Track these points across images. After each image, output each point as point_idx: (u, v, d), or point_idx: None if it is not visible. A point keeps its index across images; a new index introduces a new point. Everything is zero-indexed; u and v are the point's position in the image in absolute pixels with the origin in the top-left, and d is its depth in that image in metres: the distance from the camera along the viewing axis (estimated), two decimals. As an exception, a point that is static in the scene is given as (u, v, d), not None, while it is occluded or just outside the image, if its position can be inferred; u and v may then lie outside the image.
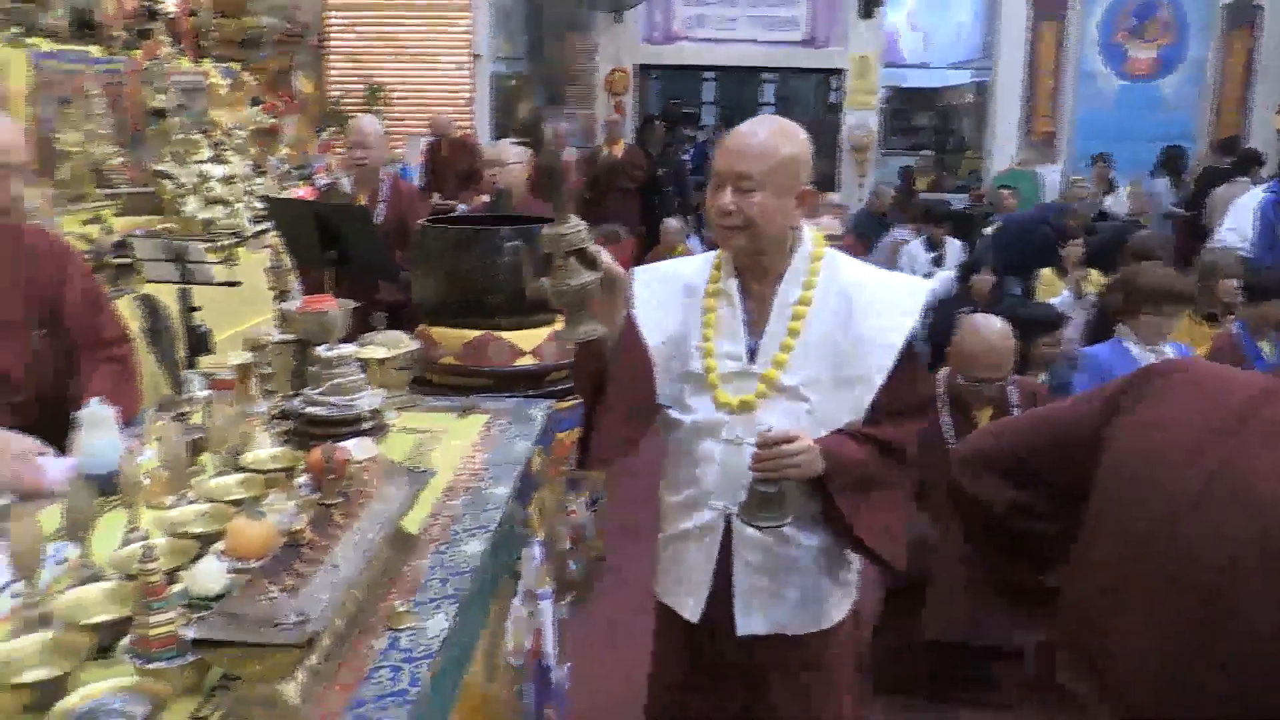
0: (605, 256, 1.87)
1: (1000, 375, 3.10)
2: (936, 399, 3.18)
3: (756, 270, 2.05)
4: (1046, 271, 6.19)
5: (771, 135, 1.96)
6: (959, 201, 9.83)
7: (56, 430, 2.34)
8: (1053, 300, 5.46)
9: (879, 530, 2.04)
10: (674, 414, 2.09)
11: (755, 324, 2.04)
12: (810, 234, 2.07)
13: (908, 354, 2.01)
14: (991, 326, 3.11)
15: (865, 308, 2.00)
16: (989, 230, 7.75)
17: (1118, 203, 9.10)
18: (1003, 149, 11.12)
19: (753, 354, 2.03)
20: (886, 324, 1.99)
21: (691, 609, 2.11)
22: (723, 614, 2.07)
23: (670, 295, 2.12)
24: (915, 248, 7.65)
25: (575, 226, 1.81)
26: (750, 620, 2.05)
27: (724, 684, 2.15)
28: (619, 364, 1.97)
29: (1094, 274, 5.71)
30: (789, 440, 1.88)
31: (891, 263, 7.63)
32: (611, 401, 1.99)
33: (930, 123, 15.32)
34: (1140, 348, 3.59)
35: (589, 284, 1.82)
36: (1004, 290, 6.02)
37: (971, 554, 1.85)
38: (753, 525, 1.93)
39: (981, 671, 3.35)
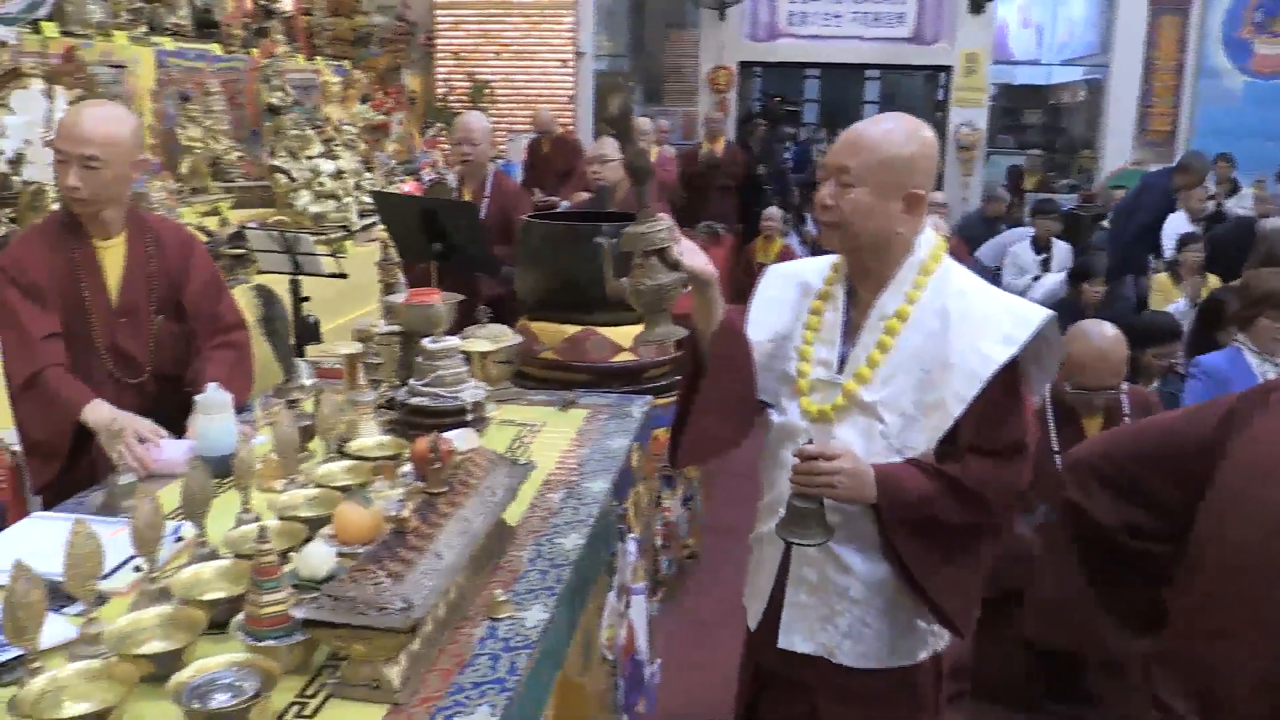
0: (692, 258, 1.83)
1: (1112, 384, 3.00)
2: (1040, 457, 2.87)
3: (863, 275, 1.93)
4: (1161, 277, 5.97)
5: (885, 131, 1.84)
6: (1068, 203, 9.53)
7: (173, 408, 2.49)
8: (1168, 308, 5.26)
9: (946, 584, 1.87)
10: (771, 414, 2.05)
11: (852, 333, 1.93)
12: (930, 242, 1.91)
13: (1004, 387, 1.81)
14: (1104, 333, 3.00)
15: (960, 328, 1.83)
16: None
17: (1240, 205, 8.72)
18: (1116, 148, 10.74)
19: (843, 363, 1.92)
20: (979, 348, 1.81)
21: (753, 614, 2.07)
22: (774, 623, 2.01)
23: (786, 293, 2.05)
24: (1022, 249, 7.39)
25: (657, 226, 1.78)
26: (792, 636, 1.98)
27: (784, 697, 2.09)
28: (718, 361, 1.93)
29: (1212, 279, 5.48)
30: (828, 456, 1.78)
31: (997, 266, 7.45)
32: (705, 399, 1.94)
33: (1039, 120, 14.90)
34: (1260, 358, 3.44)
35: (667, 285, 1.79)
36: (1117, 295, 5.81)
37: (1080, 568, 1.78)
38: (785, 540, 1.85)
39: (1078, 681, 3.24)
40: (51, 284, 2.50)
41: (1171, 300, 5.48)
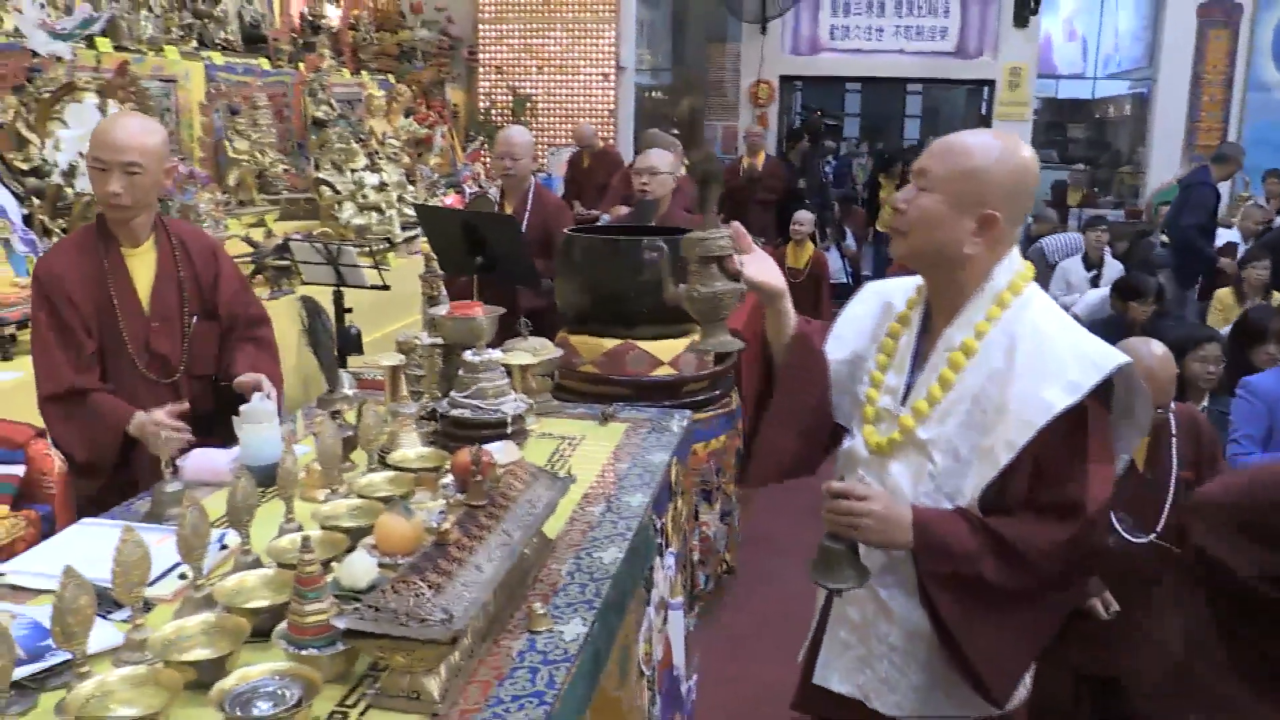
0: (760, 271, 1.79)
1: (1161, 404, 2.94)
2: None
3: (939, 300, 1.80)
4: (1224, 293, 5.88)
5: (977, 142, 1.71)
6: (1114, 218, 9.42)
7: (208, 406, 2.65)
8: (1227, 328, 5.17)
9: (985, 647, 1.70)
10: (845, 439, 1.94)
11: (921, 362, 1.81)
12: (1012, 270, 1.75)
13: (1066, 440, 1.65)
14: (1152, 351, 2.95)
15: (1025, 369, 1.66)
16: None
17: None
18: (1163, 163, 10.60)
19: (908, 393, 1.80)
20: (1040, 394, 1.64)
21: (805, 645, 2.03)
22: (816, 656, 1.96)
23: (870, 312, 1.94)
24: (1073, 265, 7.27)
25: (718, 234, 1.76)
26: (827, 672, 1.91)
27: None
28: (789, 373, 1.87)
29: (1278, 296, 5.39)
30: (857, 496, 1.68)
31: (1044, 281, 7.34)
32: (777, 413, 1.87)
33: (1084, 135, 14.75)
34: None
35: (722, 293, 1.76)
36: (1165, 314, 5.70)
37: (1207, 619, 1.67)
38: (815, 583, 1.75)
39: (1125, 706, 3.17)
40: (84, 292, 2.59)
41: (1232, 319, 5.39)
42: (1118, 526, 2.83)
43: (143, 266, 2.67)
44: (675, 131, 1.87)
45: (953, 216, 1.69)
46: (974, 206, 1.68)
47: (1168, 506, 2.81)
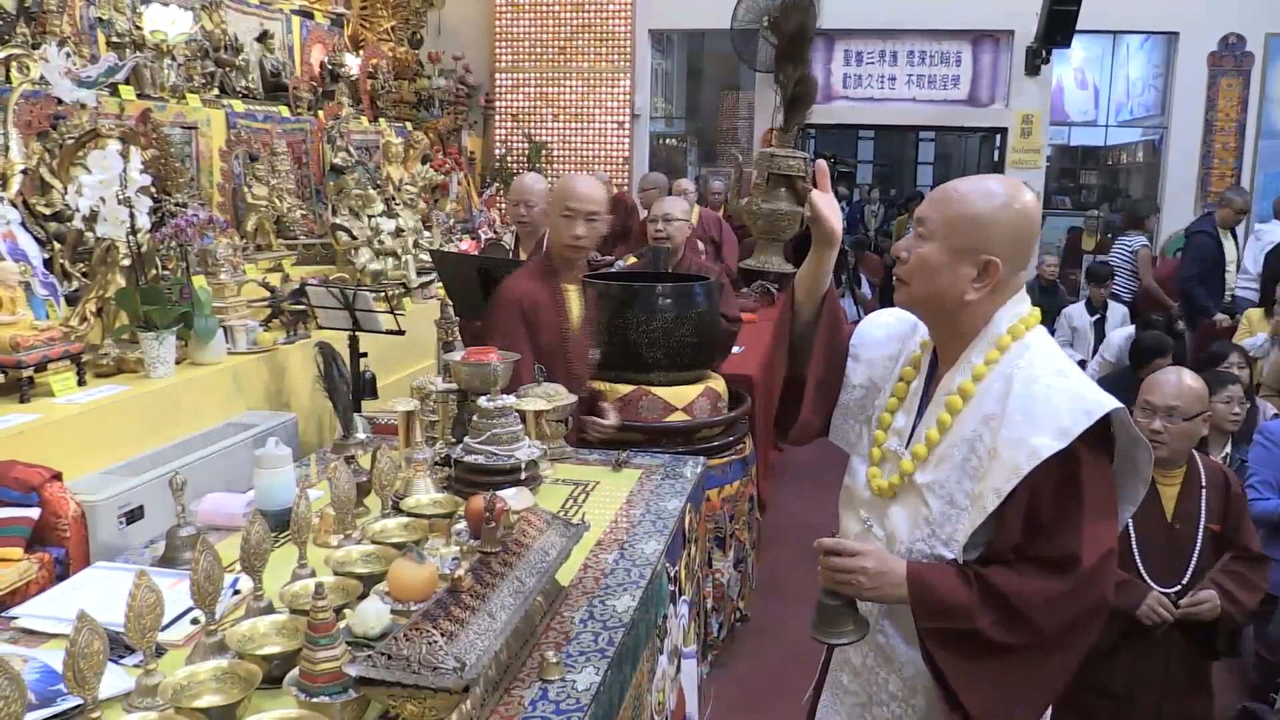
0: (826, 209, 1.77)
1: (1192, 434, 2.91)
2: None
3: (942, 346, 1.80)
4: (1254, 312, 5.89)
5: (975, 189, 1.70)
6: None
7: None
8: (1247, 341, 5.16)
9: (986, 703, 1.65)
10: (846, 476, 1.93)
11: (926, 405, 1.79)
12: (1014, 315, 1.73)
13: (1060, 488, 1.62)
14: (1182, 379, 2.92)
15: (1017, 415, 1.62)
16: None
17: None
18: (1175, 210, 10.60)
19: (912, 436, 1.79)
20: (1029, 440, 1.59)
21: (809, 691, 2.02)
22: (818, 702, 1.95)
23: (900, 328, 1.93)
24: (1076, 311, 7.39)
25: (791, 153, 1.75)
26: (828, 714, 1.91)
27: None
28: (829, 319, 1.88)
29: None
30: (848, 553, 1.67)
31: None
32: (818, 361, 1.88)
33: (1097, 182, 14.79)
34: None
35: (784, 212, 1.76)
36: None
37: None
38: (816, 639, 1.75)
39: None
40: (545, 315, 3.22)
41: (1254, 333, 5.41)
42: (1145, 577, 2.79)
43: (574, 301, 3.36)
44: (775, 43, 1.88)
45: (952, 264, 1.69)
46: (974, 253, 1.67)
47: (1195, 558, 2.79)
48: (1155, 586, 2.77)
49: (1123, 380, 4.92)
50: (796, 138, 1.76)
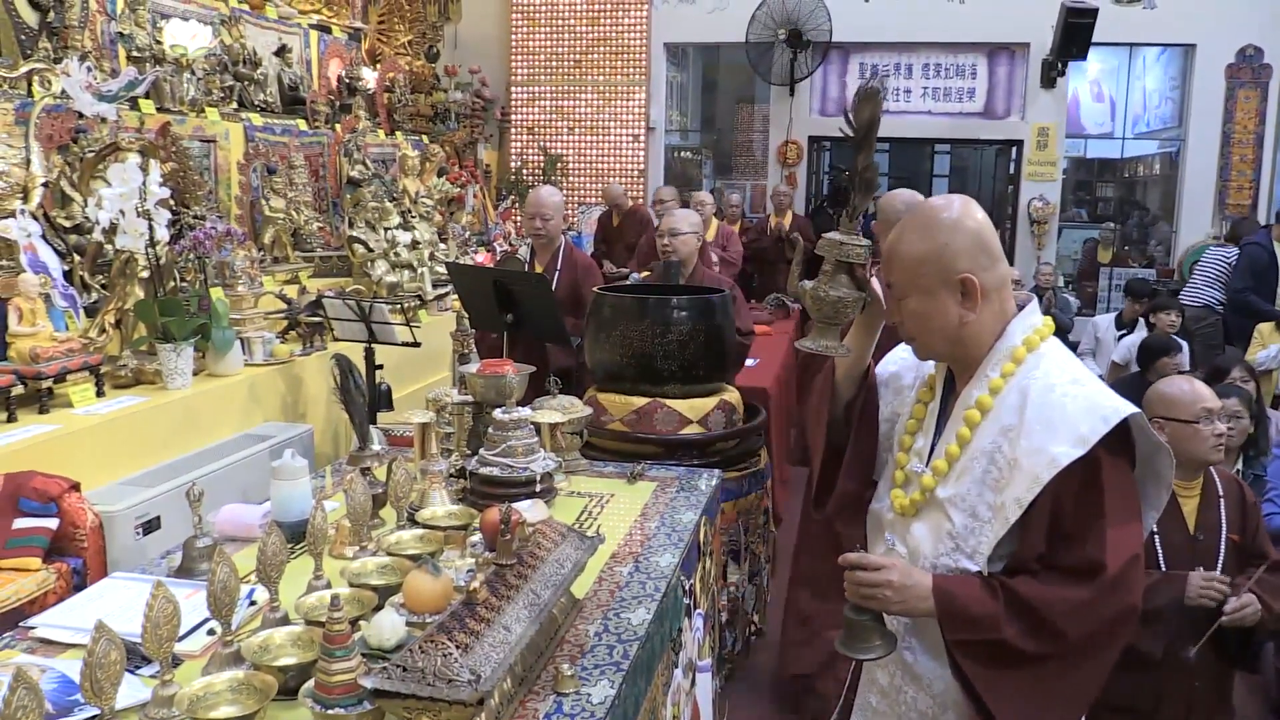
0: (877, 285, 1.82)
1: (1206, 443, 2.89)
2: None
3: (957, 366, 1.82)
4: (1265, 326, 5.86)
5: (903, 235, 1.75)
6: (1145, 277, 9.38)
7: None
8: (1260, 354, 5.13)
9: (1017, 715, 1.65)
10: (873, 503, 1.95)
11: (944, 424, 1.81)
12: (1027, 326, 1.75)
13: (1080, 496, 1.62)
14: (1194, 388, 2.91)
15: (1035, 424, 1.64)
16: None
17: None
18: (1193, 222, 10.55)
19: (931, 455, 1.81)
20: (1048, 449, 1.61)
21: (836, 710, 2.02)
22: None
23: (909, 368, 1.97)
24: (1104, 322, 7.34)
25: (859, 242, 1.79)
26: None
27: None
28: (865, 410, 1.90)
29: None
30: (872, 567, 1.68)
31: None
32: (852, 441, 1.90)
33: (1114, 194, 14.73)
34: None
35: (848, 300, 1.79)
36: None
37: None
38: (844, 654, 1.75)
39: None
40: None
41: (1265, 345, 5.38)
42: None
43: None
44: (848, 134, 1.85)
45: (936, 303, 1.72)
46: (945, 283, 1.70)
47: (1219, 569, 2.77)
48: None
49: (1132, 385, 4.90)
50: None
